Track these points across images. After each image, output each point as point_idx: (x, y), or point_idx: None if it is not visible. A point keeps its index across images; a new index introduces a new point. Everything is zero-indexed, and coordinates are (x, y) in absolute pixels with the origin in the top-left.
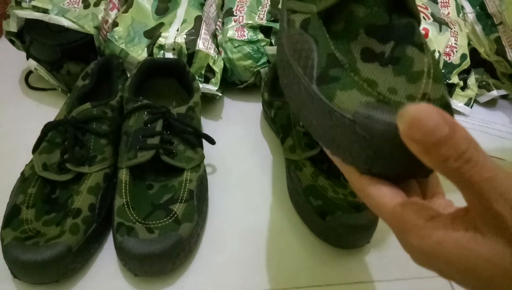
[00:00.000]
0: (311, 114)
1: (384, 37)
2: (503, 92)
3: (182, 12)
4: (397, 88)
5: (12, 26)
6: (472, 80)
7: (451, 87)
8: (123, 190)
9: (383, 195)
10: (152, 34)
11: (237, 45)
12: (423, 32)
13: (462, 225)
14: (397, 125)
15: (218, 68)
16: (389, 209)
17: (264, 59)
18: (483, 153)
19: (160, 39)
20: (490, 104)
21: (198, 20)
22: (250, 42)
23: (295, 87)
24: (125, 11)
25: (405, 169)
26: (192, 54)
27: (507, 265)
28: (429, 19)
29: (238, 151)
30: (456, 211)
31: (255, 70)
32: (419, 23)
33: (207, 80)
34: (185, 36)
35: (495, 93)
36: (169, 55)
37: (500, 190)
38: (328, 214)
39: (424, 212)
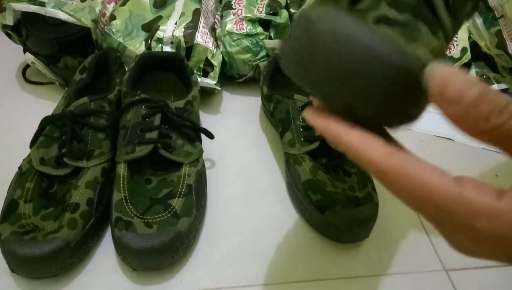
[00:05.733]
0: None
1: (404, 9)
2: (503, 86)
3: (180, 5)
4: None
5: (8, 19)
6: (472, 73)
7: None
8: (121, 185)
9: (429, 175)
10: (150, 28)
11: (236, 38)
12: None
13: None
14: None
15: (216, 61)
16: (445, 192)
17: (263, 53)
18: None
19: (158, 32)
20: None
21: (197, 13)
22: (249, 35)
23: None
24: (123, 4)
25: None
26: (190, 47)
27: None
28: None
29: (237, 145)
30: None
31: (254, 63)
32: (447, 36)
33: (205, 74)
34: (183, 29)
35: (495, 87)
36: (167, 48)
37: None
38: (327, 208)
39: (484, 187)
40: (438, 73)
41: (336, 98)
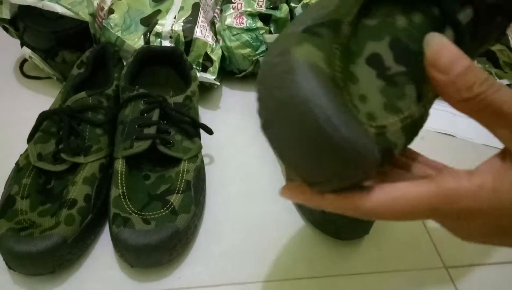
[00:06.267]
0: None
1: (402, 59)
2: (505, 81)
3: None
4: (370, 99)
5: (5, 12)
6: None
7: None
8: (119, 181)
9: (413, 189)
10: (149, 22)
11: (235, 33)
12: None
13: None
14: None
15: (216, 56)
16: (431, 195)
17: (263, 48)
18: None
19: (157, 26)
20: None
21: (196, 7)
22: (248, 30)
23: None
24: None
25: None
26: (189, 42)
27: None
28: None
29: (236, 141)
30: (501, 151)
31: (254, 58)
32: None
33: (204, 69)
34: (182, 23)
35: None
36: (166, 43)
37: None
38: None
39: (458, 172)
40: (433, 44)
41: (299, 170)
